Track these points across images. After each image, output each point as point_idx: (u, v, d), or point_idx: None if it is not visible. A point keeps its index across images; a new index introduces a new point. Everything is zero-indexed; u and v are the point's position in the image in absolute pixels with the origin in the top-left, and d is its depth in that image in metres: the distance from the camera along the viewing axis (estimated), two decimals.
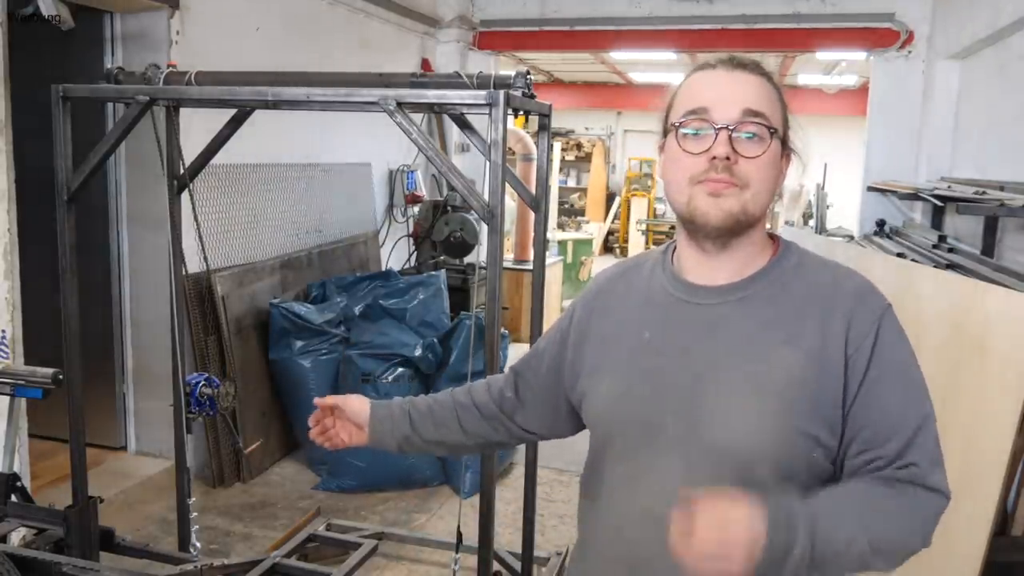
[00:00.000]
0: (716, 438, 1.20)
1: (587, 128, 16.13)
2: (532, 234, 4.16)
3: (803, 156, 1.31)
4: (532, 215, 3.00)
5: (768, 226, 1.31)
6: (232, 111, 2.87)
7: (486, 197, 2.33)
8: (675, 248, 1.34)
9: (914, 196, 5.43)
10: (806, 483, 1.19)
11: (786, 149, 1.26)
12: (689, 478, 1.20)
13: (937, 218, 5.45)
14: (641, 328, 1.30)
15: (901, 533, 1.16)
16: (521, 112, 2.52)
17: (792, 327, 1.21)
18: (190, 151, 2.93)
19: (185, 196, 2.95)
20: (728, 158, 1.19)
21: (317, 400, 1.53)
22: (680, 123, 1.23)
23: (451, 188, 6.18)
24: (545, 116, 2.72)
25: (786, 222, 11.58)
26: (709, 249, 1.25)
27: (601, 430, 1.35)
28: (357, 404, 1.52)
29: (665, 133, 1.27)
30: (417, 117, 3.65)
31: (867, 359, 1.18)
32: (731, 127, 1.19)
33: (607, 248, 14.85)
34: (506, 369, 1.58)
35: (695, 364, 1.23)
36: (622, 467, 1.30)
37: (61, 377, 2.55)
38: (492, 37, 7.04)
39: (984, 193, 4.02)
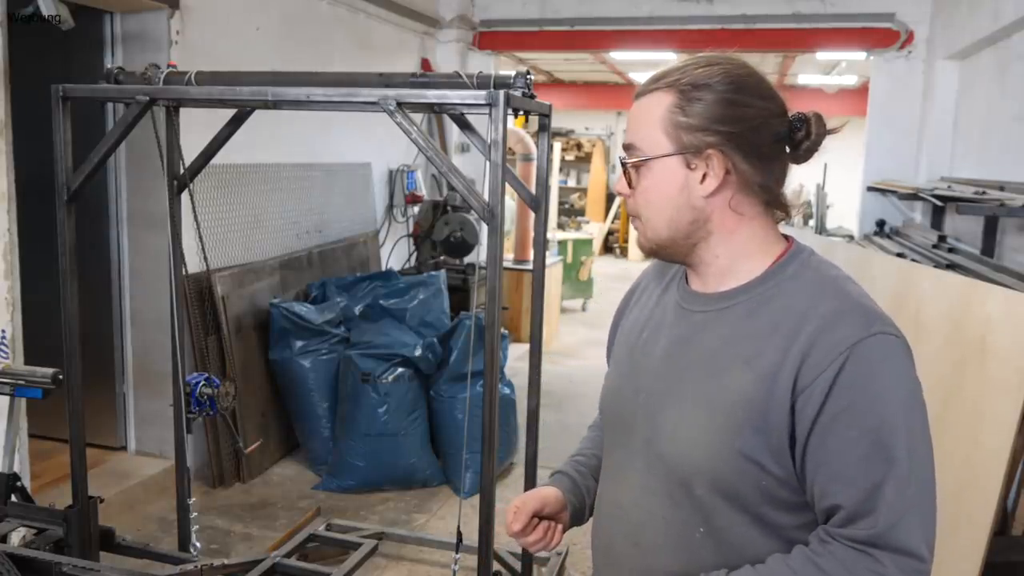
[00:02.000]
0: (663, 449, 1.21)
1: (587, 128, 16.11)
2: (532, 234, 4.15)
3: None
4: (532, 215, 3.00)
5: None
6: (232, 111, 2.87)
7: (486, 197, 2.32)
8: None
9: (914, 196, 5.43)
10: (759, 510, 1.15)
11: (700, 154, 1.16)
12: (647, 481, 1.24)
13: (937, 218, 5.45)
14: (643, 328, 1.33)
15: None
16: (521, 112, 2.52)
17: (757, 345, 1.14)
18: (190, 151, 2.93)
19: (185, 196, 2.94)
20: (621, 193, 1.26)
21: (517, 529, 1.36)
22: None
23: (451, 188, 6.18)
24: (545, 116, 2.72)
25: (786, 222, 11.53)
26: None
27: (603, 420, 1.43)
28: (550, 495, 1.40)
29: None
30: (417, 117, 3.65)
31: (821, 399, 1.07)
32: (623, 162, 1.24)
33: (607, 248, 14.85)
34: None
35: (669, 370, 1.24)
36: (609, 459, 1.37)
37: (61, 377, 2.55)
38: (492, 37, 7.04)
39: (984, 193, 4.02)
